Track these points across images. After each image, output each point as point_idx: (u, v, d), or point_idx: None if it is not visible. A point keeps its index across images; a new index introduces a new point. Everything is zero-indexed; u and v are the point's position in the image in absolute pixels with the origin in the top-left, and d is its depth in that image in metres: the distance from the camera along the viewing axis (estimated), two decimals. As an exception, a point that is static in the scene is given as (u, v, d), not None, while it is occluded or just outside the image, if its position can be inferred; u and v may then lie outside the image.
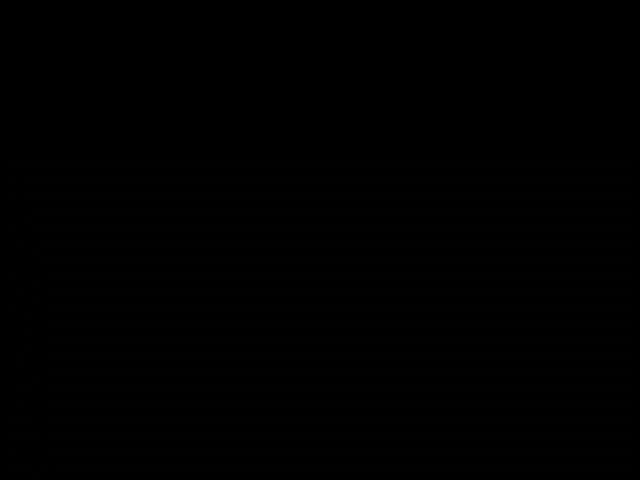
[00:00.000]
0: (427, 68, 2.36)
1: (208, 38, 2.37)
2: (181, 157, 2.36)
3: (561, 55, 2.36)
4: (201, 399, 2.33)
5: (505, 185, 2.34)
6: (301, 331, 2.33)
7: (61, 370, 2.32)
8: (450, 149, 2.35)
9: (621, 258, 2.33)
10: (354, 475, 2.32)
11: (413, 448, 2.32)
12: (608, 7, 2.36)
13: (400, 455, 2.32)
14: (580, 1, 2.36)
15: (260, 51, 2.37)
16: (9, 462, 2.31)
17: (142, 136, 2.36)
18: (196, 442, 2.32)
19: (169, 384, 2.33)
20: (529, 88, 2.36)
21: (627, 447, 2.32)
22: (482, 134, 2.35)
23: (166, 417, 2.32)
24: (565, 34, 2.36)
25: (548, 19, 2.36)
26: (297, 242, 2.34)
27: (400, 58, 2.37)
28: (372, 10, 2.37)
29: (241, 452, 2.32)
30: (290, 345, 2.33)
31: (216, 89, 2.37)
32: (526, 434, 2.32)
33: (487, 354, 2.33)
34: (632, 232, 2.33)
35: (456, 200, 2.34)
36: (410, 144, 2.36)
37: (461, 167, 2.34)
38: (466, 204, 2.34)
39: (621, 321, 2.32)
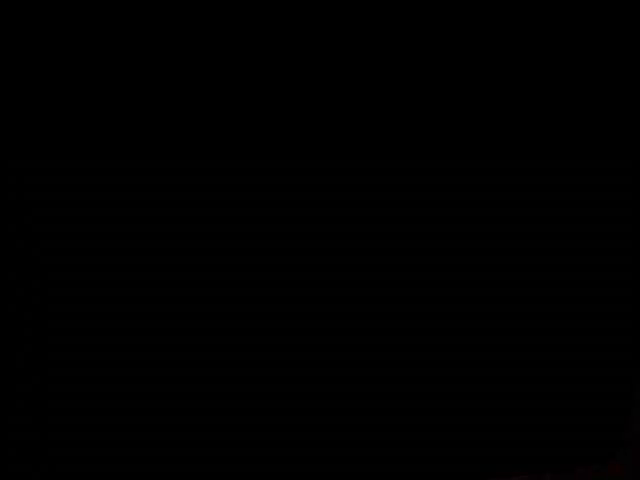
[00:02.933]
0: (427, 68, 2.36)
1: (208, 38, 2.37)
2: (181, 157, 2.36)
3: (561, 55, 2.36)
4: (201, 399, 2.33)
5: (505, 185, 2.34)
6: (301, 331, 2.34)
7: (61, 370, 2.33)
8: (450, 149, 2.35)
9: (621, 258, 2.33)
10: (354, 475, 2.33)
11: (413, 448, 2.32)
12: (608, 7, 2.36)
13: (400, 455, 2.33)
14: (580, 1, 2.36)
15: (260, 51, 2.37)
16: (9, 462, 2.31)
17: (142, 136, 2.36)
18: (196, 442, 2.32)
19: (169, 384, 2.33)
20: (529, 88, 2.36)
21: (627, 447, 2.32)
22: (482, 134, 2.36)
23: (166, 417, 2.32)
24: (565, 34, 2.36)
25: (548, 19, 2.36)
26: (297, 242, 2.34)
27: (400, 58, 2.37)
28: (372, 10, 2.37)
29: (241, 452, 2.33)
30: (290, 345, 2.34)
31: (216, 89, 2.37)
32: (526, 434, 2.32)
33: (487, 354, 2.33)
34: (632, 232, 2.34)
35: (456, 200, 2.34)
36: (410, 144, 2.36)
37: (461, 167, 2.34)
38: (466, 204, 2.34)
39: (621, 321, 2.33)
